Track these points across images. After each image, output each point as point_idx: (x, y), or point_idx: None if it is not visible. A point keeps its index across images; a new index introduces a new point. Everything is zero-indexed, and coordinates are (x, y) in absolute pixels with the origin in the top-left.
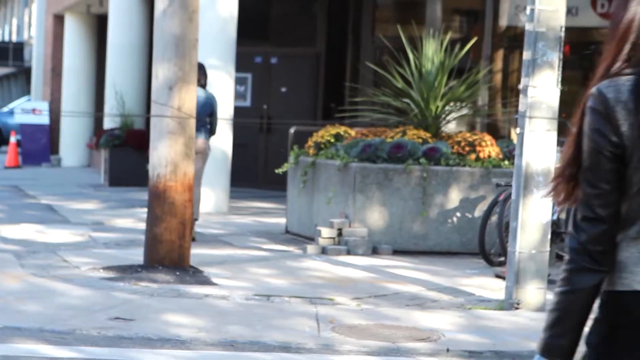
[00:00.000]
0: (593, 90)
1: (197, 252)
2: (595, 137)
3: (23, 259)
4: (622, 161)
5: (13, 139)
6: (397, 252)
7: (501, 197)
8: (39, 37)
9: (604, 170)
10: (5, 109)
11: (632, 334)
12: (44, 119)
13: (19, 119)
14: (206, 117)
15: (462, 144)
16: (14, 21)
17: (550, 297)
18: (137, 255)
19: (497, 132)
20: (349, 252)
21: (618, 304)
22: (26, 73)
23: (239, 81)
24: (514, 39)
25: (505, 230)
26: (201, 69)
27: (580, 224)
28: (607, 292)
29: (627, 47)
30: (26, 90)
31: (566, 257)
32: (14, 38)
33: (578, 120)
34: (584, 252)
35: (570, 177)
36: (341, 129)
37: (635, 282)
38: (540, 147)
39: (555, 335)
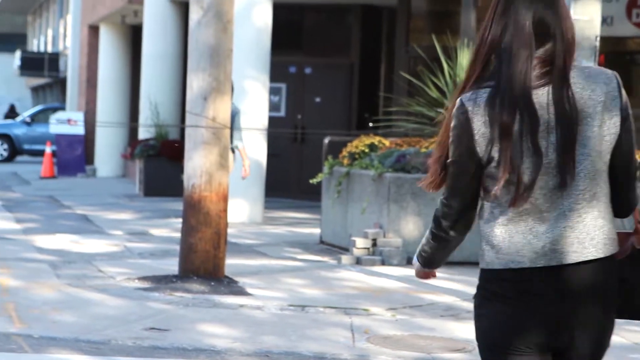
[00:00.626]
0: (457, 100)
1: (231, 262)
2: (459, 137)
3: (59, 269)
4: (480, 161)
5: (48, 150)
6: None
7: None
8: (74, 48)
9: (464, 166)
10: (19, 119)
11: (501, 298)
12: (79, 130)
13: (54, 129)
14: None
15: None
16: (49, 32)
17: None
18: (172, 265)
19: None
20: (383, 263)
21: (492, 275)
22: (61, 83)
23: (273, 91)
24: None
25: None
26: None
27: (443, 202)
28: (485, 269)
29: (485, 64)
30: (61, 101)
31: (433, 221)
32: (50, 49)
33: (446, 125)
34: (439, 221)
35: (443, 167)
36: (375, 139)
37: (508, 261)
38: None
39: (430, 256)
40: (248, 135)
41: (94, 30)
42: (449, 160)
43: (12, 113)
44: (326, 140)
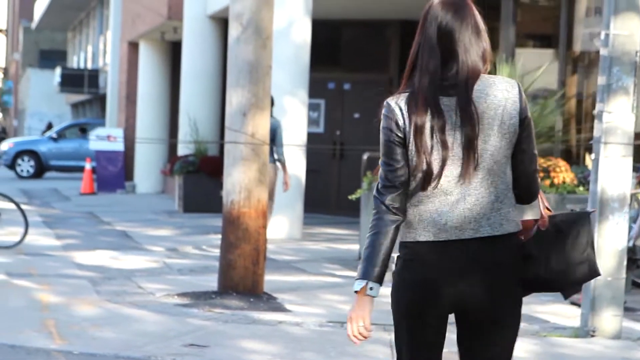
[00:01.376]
0: (385, 102)
1: (270, 279)
2: (386, 133)
3: (98, 285)
4: (405, 147)
5: (88, 166)
6: None
7: None
8: (113, 64)
9: (394, 154)
10: (47, 134)
11: (412, 265)
12: (118, 146)
13: (94, 145)
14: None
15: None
16: (89, 48)
17: (627, 324)
18: (211, 282)
19: (571, 158)
20: None
21: (414, 247)
22: (101, 100)
23: (312, 107)
24: (588, 64)
25: None
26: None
27: (381, 190)
28: (401, 242)
29: (410, 70)
30: (101, 117)
31: (373, 212)
32: (89, 65)
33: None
34: (386, 208)
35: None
36: None
37: (424, 232)
38: (615, 173)
39: (372, 263)
40: (288, 151)
41: (133, 46)
42: (382, 152)
43: (49, 130)
44: (365, 156)
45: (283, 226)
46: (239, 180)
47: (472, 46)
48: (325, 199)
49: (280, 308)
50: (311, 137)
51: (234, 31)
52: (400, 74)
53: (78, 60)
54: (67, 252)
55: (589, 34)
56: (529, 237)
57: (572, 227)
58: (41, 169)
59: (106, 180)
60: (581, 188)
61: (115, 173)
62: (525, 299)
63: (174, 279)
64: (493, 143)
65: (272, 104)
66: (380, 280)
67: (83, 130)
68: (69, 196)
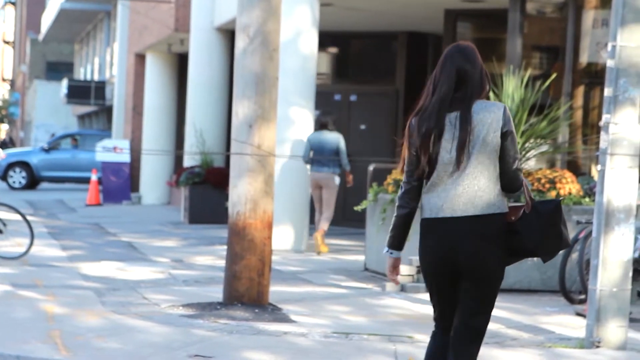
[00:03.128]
0: (409, 121)
1: (275, 290)
2: (408, 144)
3: (104, 296)
4: (420, 158)
5: (94, 177)
6: None
7: (582, 235)
8: (120, 76)
9: (412, 160)
10: (42, 145)
11: (430, 235)
12: (124, 157)
13: (100, 157)
14: (334, 155)
15: (543, 180)
16: (96, 60)
17: (632, 335)
18: (216, 293)
19: (577, 169)
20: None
21: (425, 223)
22: (107, 111)
23: None
24: (594, 76)
25: (586, 267)
26: (329, 114)
27: (403, 186)
28: (420, 218)
29: (428, 98)
30: (107, 129)
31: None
32: (96, 77)
33: (403, 137)
34: (402, 197)
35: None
36: None
37: (431, 212)
38: (621, 184)
39: (392, 237)
40: (295, 162)
41: (140, 58)
42: (405, 155)
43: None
44: (371, 168)
45: (288, 237)
46: (244, 191)
47: (475, 80)
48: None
49: (285, 319)
50: None
51: (240, 43)
52: (407, 86)
53: (85, 72)
54: (73, 263)
55: (596, 46)
56: (517, 217)
57: (547, 211)
58: (33, 180)
59: (112, 191)
60: (587, 199)
61: (121, 184)
62: (531, 310)
63: (179, 289)
64: (478, 149)
65: (331, 120)
66: (398, 248)
67: (75, 141)
68: (74, 207)
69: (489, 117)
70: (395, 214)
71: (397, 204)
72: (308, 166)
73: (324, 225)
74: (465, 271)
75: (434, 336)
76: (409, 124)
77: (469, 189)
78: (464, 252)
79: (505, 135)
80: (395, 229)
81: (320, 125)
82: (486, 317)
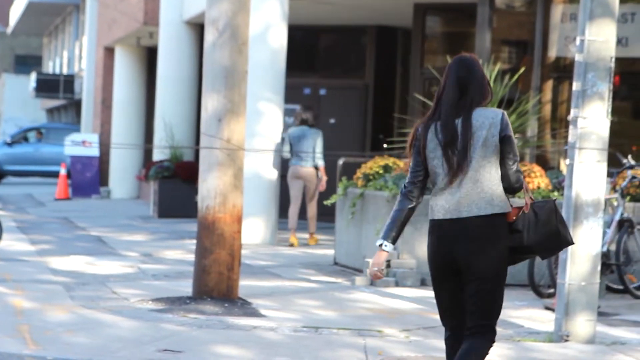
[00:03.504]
0: (415, 127)
1: (245, 284)
2: (413, 146)
3: (72, 291)
4: (423, 157)
5: (63, 171)
6: None
7: None
8: (89, 70)
9: (416, 161)
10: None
11: (437, 235)
12: (93, 151)
13: (69, 151)
14: (313, 150)
15: None
16: (65, 54)
17: (600, 329)
18: (185, 287)
19: (546, 163)
20: (397, 284)
21: (433, 223)
22: (76, 105)
23: (287, 113)
24: (563, 70)
25: (554, 261)
26: (310, 110)
27: (406, 184)
28: (429, 219)
29: (437, 101)
30: (76, 122)
31: (398, 196)
32: (65, 70)
33: (410, 139)
34: (405, 195)
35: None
36: (390, 161)
37: (438, 213)
38: (590, 178)
39: (389, 230)
40: (265, 156)
41: (109, 52)
42: (411, 159)
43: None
44: (340, 162)
45: (258, 231)
46: (214, 185)
47: (476, 88)
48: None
49: (254, 313)
50: None
51: (210, 36)
52: (376, 80)
53: (54, 65)
54: (42, 257)
55: (564, 40)
56: (518, 217)
57: (544, 211)
58: None
59: (81, 185)
60: (556, 193)
61: (90, 178)
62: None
63: (149, 284)
64: (479, 153)
65: (312, 116)
66: (393, 241)
67: (40, 135)
68: (43, 202)
69: (487, 123)
70: (396, 208)
71: (399, 199)
72: (289, 160)
73: (311, 228)
74: (469, 270)
75: (446, 341)
76: (416, 129)
77: (472, 191)
78: (466, 251)
79: (504, 139)
80: (394, 222)
81: (300, 121)
82: (494, 314)
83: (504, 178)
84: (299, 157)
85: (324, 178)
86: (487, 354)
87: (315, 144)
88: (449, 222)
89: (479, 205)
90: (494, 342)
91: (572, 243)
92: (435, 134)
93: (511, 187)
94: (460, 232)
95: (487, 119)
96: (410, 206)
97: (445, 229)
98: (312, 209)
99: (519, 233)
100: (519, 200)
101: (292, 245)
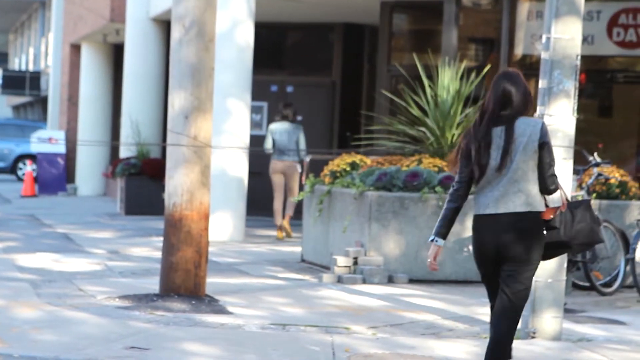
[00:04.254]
0: (463, 134)
1: (212, 281)
2: (461, 149)
3: (39, 288)
4: (469, 159)
5: (29, 168)
6: (413, 280)
7: None
8: (55, 66)
9: (463, 162)
10: None
11: (478, 227)
12: (60, 148)
13: (36, 148)
14: (294, 145)
15: None
16: (31, 50)
17: (567, 326)
18: (153, 284)
19: None
20: (364, 281)
21: (475, 218)
22: (43, 102)
23: (254, 110)
24: (529, 67)
25: None
26: (290, 106)
27: (454, 184)
28: (474, 215)
29: (482, 111)
30: (43, 119)
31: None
32: (31, 67)
33: (459, 143)
34: (452, 194)
35: (454, 162)
36: (357, 158)
37: (480, 209)
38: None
39: (440, 227)
40: (230, 154)
41: (75, 48)
42: (459, 161)
43: None
44: (308, 159)
45: (225, 229)
46: (181, 182)
47: (520, 100)
48: (268, 201)
49: (222, 310)
50: (254, 139)
51: (176, 33)
52: (343, 77)
53: (20, 62)
54: (8, 254)
55: (530, 37)
56: (555, 216)
57: (580, 210)
58: None
59: (47, 182)
60: None
61: (56, 175)
62: (467, 301)
63: (116, 281)
64: (519, 157)
65: (292, 112)
66: (443, 237)
67: None
68: (9, 199)
69: (528, 130)
70: (445, 207)
71: (447, 199)
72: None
73: (289, 211)
74: (505, 257)
75: (492, 309)
76: (464, 136)
77: (510, 190)
78: (503, 242)
79: (542, 145)
80: (443, 219)
81: (281, 117)
82: (525, 293)
83: (541, 180)
84: (280, 151)
85: (305, 173)
86: (517, 324)
87: (298, 139)
88: (489, 217)
89: (515, 203)
90: (519, 318)
91: (602, 241)
92: (480, 140)
93: (547, 189)
94: (498, 226)
95: (528, 126)
96: (455, 206)
97: (486, 223)
98: (290, 202)
99: (556, 229)
100: (556, 200)
101: (289, 236)
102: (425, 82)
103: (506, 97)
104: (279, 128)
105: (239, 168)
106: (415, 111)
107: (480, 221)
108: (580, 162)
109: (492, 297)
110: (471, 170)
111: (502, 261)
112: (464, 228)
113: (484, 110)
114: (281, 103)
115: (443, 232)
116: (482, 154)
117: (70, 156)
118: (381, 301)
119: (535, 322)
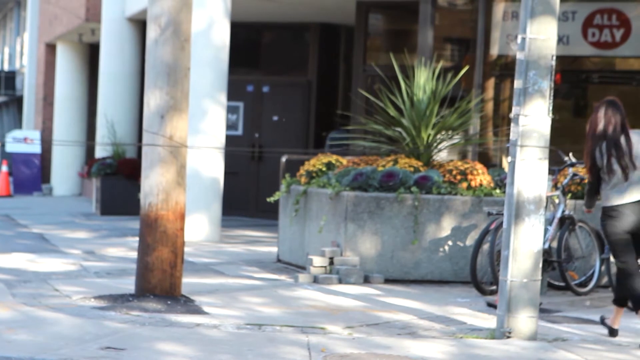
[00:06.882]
0: (588, 147)
1: (188, 281)
2: (589, 159)
3: (14, 288)
4: (598, 167)
5: (4, 168)
6: (389, 280)
7: (493, 226)
8: (30, 66)
9: (592, 167)
10: None
11: (610, 218)
12: (35, 148)
13: (10, 147)
14: None
15: (454, 172)
16: (6, 50)
17: (542, 325)
18: (128, 284)
19: (488, 161)
20: (340, 281)
21: (606, 208)
22: (18, 102)
23: (230, 110)
24: (505, 68)
25: (497, 258)
26: None
27: (588, 184)
28: (603, 206)
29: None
30: (18, 119)
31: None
32: (6, 67)
33: (585, 152)
34: (590, 187)
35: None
36: (333, 158)
37: (609, 202)
38: (531, 175)
39: (588, 200)
40: (206, 153)
41: (51, 48)
42: (588, 166)
43: None
44: (283, 159)
45: (201, 229)
46: (156, 182)
47: (621, 120)
48: (244, 201)
49: (198, 311)
50: (230, 139)
51: (152, 33)
52: (319, 77)
53: None
54: None
55: (506, 38)
56: None
57: None
58: None
59: (23, 182)
60: (498, 190)
61: (31, 175)
62: (442, 301)
63: (91, 281)
64: (637, 164)
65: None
66: (590, 207)
67: None
68: None
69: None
70: (587, 189)
71: (587, 188)
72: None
73: None
74: (636, 232)
75: (623, 272)
76: (590, 151)
77: (632, 188)
78: (633, 222)
79: None
80: (588, 195)
81: None
82: None
83: None
84: None
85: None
86: None
87: None
88: (621, 206)
89: (636, 196)
90: None
91: None
92: (603, 152)
93: None
94: (628, 210)
95: (639, 137)
96: (593, 189)
97: (619, 210)
98: None
99: None
100: None
101: None
102: (401, 82)
103: (612, 118)
104: None
105: (215, 168)
106: (392, 111)
107: (614, 210)
108: (556, 163)
109: (625, 262)
110: (599, 176)
111: (633, 236)
112: (439, 228)
113: (595, 129)
114: None
115: (590, 203)
116: (619, 161)
117: (45, 156)
118: (357, 301)
119: (510, 322)
